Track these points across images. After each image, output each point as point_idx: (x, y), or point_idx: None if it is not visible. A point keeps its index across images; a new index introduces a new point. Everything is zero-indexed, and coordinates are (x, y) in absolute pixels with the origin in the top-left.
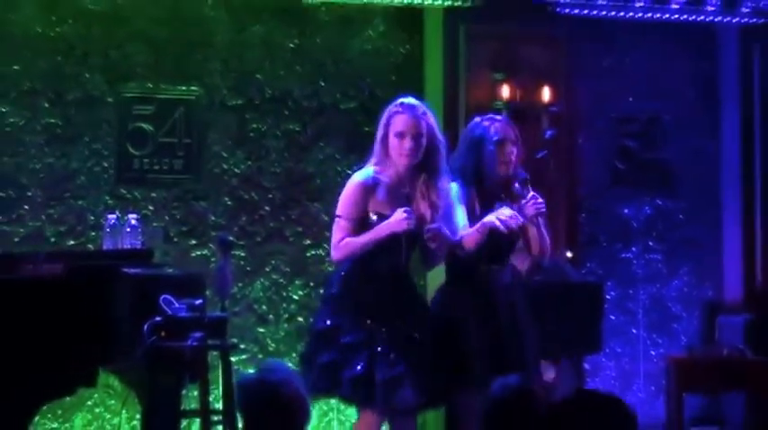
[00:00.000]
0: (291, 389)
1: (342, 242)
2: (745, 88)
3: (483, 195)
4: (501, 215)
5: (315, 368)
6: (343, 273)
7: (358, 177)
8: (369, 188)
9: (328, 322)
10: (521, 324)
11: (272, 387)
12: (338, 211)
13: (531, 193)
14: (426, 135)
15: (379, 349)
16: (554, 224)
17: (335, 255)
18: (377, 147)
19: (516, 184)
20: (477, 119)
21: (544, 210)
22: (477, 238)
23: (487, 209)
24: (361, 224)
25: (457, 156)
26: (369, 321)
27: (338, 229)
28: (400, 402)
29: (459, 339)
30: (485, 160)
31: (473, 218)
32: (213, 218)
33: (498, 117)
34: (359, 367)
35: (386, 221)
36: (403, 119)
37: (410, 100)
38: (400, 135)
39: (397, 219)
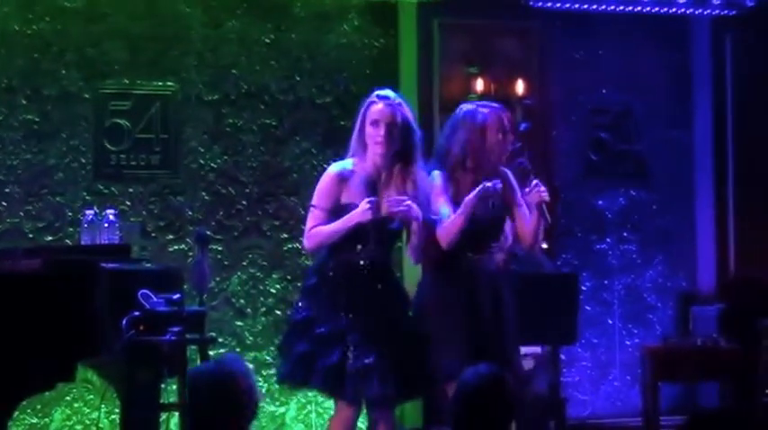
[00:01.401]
0: (239, 382)
1: (312, 231)
2: (718, 79)
3: (476, 184)
4: (480, 187)
5: (290, 358)
6: (318, 265)
7: (334, 168)
8: (343, 178)
9: (304, 313)
10: (505, 311)
11: (220, 379)
12: (313, 201)
13: (535, 181)
14: (401, 125)
15: (351, 340)
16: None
17: (306, 243)
18: (354, 138)
19: (516, 173)
20: (471, 106)
21: (547, 198)
22: (461, 221)
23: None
24: (335, 214)
25: (448, 143)
26: (343, 313)
27: (311, 218)
28: (369, 393)
29: (443, 330)
30: (487, 148)
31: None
32: (190, 212)
33: (495, 104)
34: (332, 358)
35: (352, 211)
36: (378, 108)
37: (386, 92)
38: (375, 123)
39: (362, 209)
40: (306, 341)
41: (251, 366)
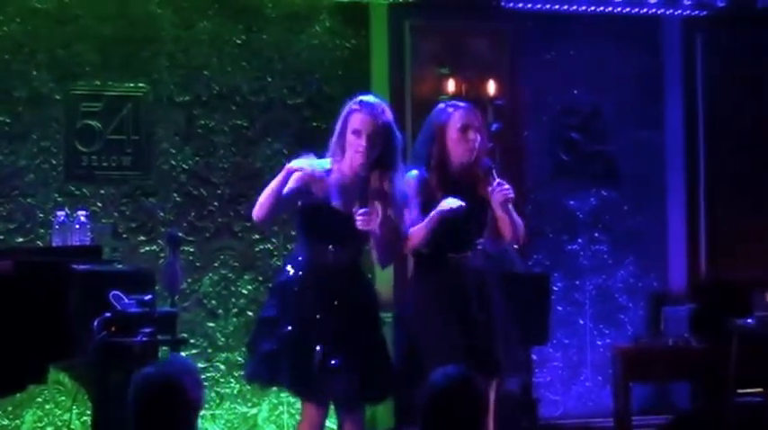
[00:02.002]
0: (181, 383)
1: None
2: (688, 80)
3: (445, 182)
4: (444, 206)
5: (256, 356)
6: (288, 265)
7: (311, 164)
8: (316, 178)
9: (271, 311)
10: (492, 308)
11: (160, 381)
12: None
13: (497, 180)
14: (382, 132)
15: (318, 340)
16: None
17: (254, 212)
18: (334, 141)
19: (480, 172)
20: (442, 105)
21: (512, 196)
22: (424, 234)
23: (452, 196)
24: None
25: (419, 142)
26: (311, 312)
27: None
28: (336, 394)
29: (433, 331)
30: (449, 147)
31: (433, 206)
32: (162, 214)
33: (462, 104)
34: (299, 357)
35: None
36: (360, 117)
37: (370, 98)
38: (356, 133)
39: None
40: (272, 339)
41: (222, 367)
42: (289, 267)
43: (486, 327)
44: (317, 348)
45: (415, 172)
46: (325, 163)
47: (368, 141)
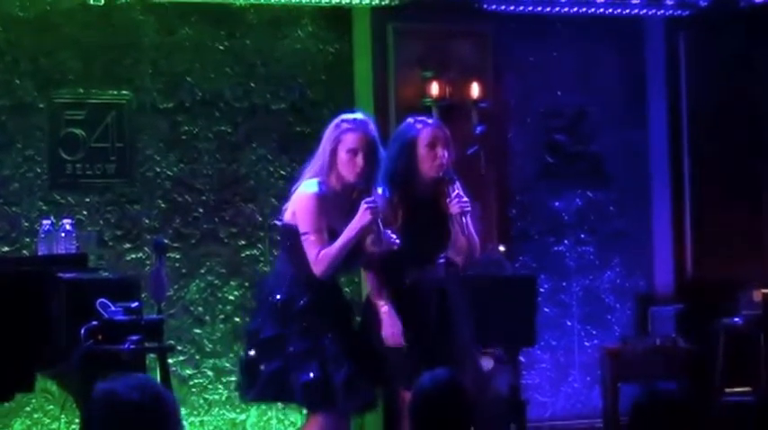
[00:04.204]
0: (138, 398)
1: (321, 255)
2: (672, 80)
3: (408, 199)
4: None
5: (260, 376)
6: (286, 281)
7: (313, 189)
8: (325, 200)
9: (274, 331)
10: (453, 313)
11: (118, 397)
12: (305, 228)
13: (456, 192)
14: (375, 150)
15: (328, 354)
16: (486, 218)
17: (318, 269)
18: (324, 160)
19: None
20: (411, 120)
21: (468, 208)
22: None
23: (416, 213)
24: (330, 234)
25: (386, 157)
26: (318, 331)
27: (312, 245)
28: (360, 401)
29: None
30: (416, 163)
31: (394, 222)
32: (147, 221)
33: (430, 120)
34: (311, 374)
35: (352, 221)
36: (356, 136)
37: (358, 115)
38: (353, 152)
39: (361, 212)
40: (276, 359)
41: (210, 373)
42: (284, 285)
43: (445, 336)
44: (329, 362)
45: (379, 189)
46: (313, 184)
47: (365, 160)
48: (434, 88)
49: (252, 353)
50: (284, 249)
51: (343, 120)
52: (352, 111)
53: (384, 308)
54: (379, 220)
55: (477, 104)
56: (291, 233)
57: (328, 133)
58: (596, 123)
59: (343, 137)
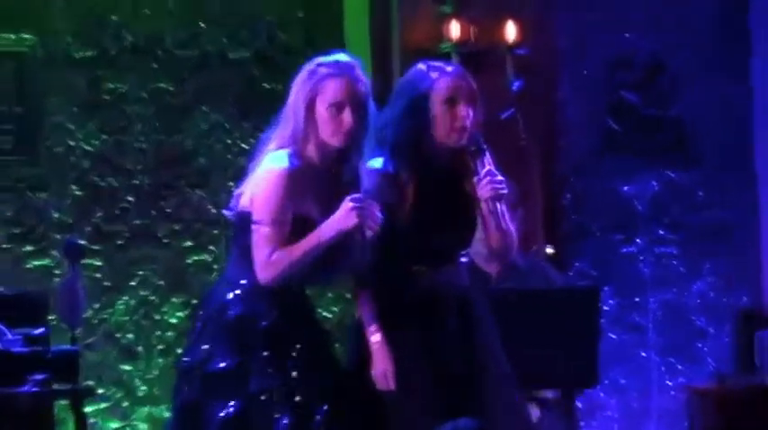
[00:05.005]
0: None
1: (274, 256)
2: None
3: (424, 175)
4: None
5: (211, 425)
6: (241, 293)
7: (281, 163)
8: (298, 178)
9: (226, 361)
10: (481, 333)
11: None
12: (258, 216)
13: (487, 168)
14: (365, 106)
15: (299, 398)
16: (527, 209)
17: (265, 275)
18: (296, 122)
19: (468, 157)
20: (422, 66)
21: (504, 191)
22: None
23: (430, 194)
24: (294, 228)
25: (388, 118)
26: (284, 363)
27: (264, 240)
28: None
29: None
30: (430, 126)
31: (401, 208)
32: (57, 215)
33: (449, 68)
34: (284, 421)
35: (330, 218)
36: (340, 85)
37: (343, 57)
38: (338, 107)
39: (344, 211)
40: (233, 399)
41: (143, 428)
42: (239, 300)
43: (470, 369)
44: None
45: (378, 161)
46: (284, 158)
47: (354, 115)
48: (454, 29)
49: (193, 393)
50: (239, 248)
51: (320, 65)
52: (337, 51)
53: (375, 338)
54: (365, 228)
55: (514, 51)
56: (249, 224)
57: (300, 84)
58: (679, 77)
59: (322, 87)
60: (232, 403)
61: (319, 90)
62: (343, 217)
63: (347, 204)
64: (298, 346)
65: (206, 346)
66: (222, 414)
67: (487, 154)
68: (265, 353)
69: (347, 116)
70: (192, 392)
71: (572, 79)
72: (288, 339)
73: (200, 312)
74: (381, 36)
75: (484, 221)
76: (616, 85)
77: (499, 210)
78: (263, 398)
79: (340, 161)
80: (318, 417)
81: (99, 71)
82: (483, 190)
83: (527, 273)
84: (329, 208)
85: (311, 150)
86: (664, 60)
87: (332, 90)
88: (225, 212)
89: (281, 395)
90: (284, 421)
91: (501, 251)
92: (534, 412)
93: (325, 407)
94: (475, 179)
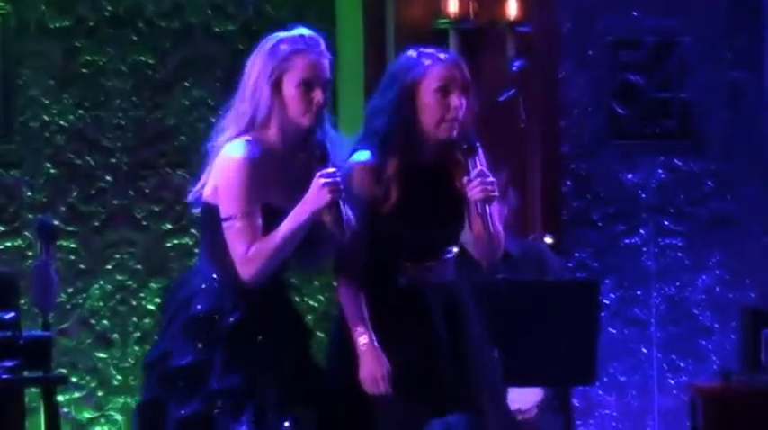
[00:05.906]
0: None
1: (251, 251)
2: None
3: (411, 169)
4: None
5: (170, 423)
6: (208, 287)
7: (240, 152)
8: (260, 165)
9: (190, 357)
10: (469, 331)
11: None
12: (227, 212)
13: (479, 169)
14: (330, 83)
15: (269, 396)
16: (527, 197)
17: (247, 271)
18: (256, 102)
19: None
20: (413, 53)
21: (495, 194)
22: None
23: (417, 188)
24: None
25: (375, 107)
26: (250, 356)
27: (238, 235)
28: None
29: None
30: (420, 117)
31: (387, 202)
32: (30, 193)
33: (442, 55)
34: (243, 426)
35: (303, 199)
36: (309, 61)
37: (306, 31)
38: (308, 84)
39: (316, 189)
40: (195, 398)
41: (118, 418)
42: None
43: (461, 368)
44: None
45: (364, 154)
46: (239, 146)
47: (324, 94)
48: (453, 3)
49: (155, 389)
50: (209, 242)
51: (282, 41)
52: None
53: (363, 339)
54: (341, 201)
55: (515, 28)
56: (215, 217)
57: (262, 62)
58: (688, 59)
59: (289, 64)
60: (191, 402)
61: (287, 68)
62: (315, 195)
63: (318, 181)
64: (264, 346)
65: (169, 341)
66: (181, 412)
67: (480, 153)
68: (228, 352)
69: (318, 94)
70: (153, 389)
71: (575, 60)
72: (253, 338)
73: (168, 304)
74: (375, 10)
75: (471, 222)
76: (621, 67)
77: (488, 213)
78: (221, 398)
79: (305, 140)
80: (286, 424)
81: (76, 42)
82: (473, 191)
83: (519, 261)
84: (298, 193)
85: (273, 134)
86: (672, 41)
87: (301, 67)
88: (192, 208)
89: (244, 396)
90: (242, 427)
91: (486, 253)
92: (529, 410)
93: (293, 418)
94: (465, 179)
